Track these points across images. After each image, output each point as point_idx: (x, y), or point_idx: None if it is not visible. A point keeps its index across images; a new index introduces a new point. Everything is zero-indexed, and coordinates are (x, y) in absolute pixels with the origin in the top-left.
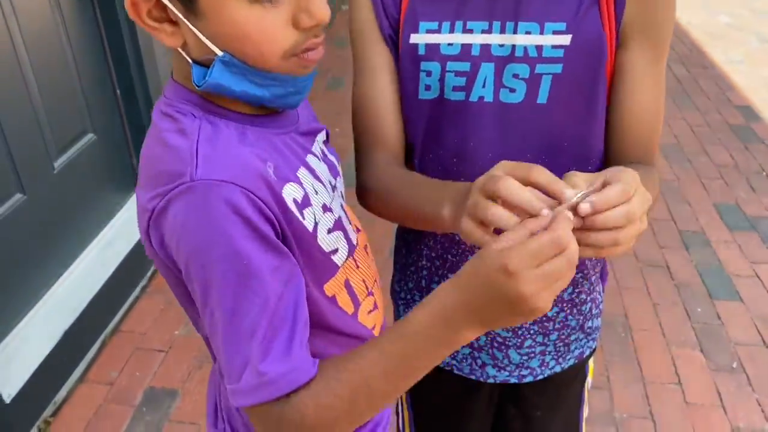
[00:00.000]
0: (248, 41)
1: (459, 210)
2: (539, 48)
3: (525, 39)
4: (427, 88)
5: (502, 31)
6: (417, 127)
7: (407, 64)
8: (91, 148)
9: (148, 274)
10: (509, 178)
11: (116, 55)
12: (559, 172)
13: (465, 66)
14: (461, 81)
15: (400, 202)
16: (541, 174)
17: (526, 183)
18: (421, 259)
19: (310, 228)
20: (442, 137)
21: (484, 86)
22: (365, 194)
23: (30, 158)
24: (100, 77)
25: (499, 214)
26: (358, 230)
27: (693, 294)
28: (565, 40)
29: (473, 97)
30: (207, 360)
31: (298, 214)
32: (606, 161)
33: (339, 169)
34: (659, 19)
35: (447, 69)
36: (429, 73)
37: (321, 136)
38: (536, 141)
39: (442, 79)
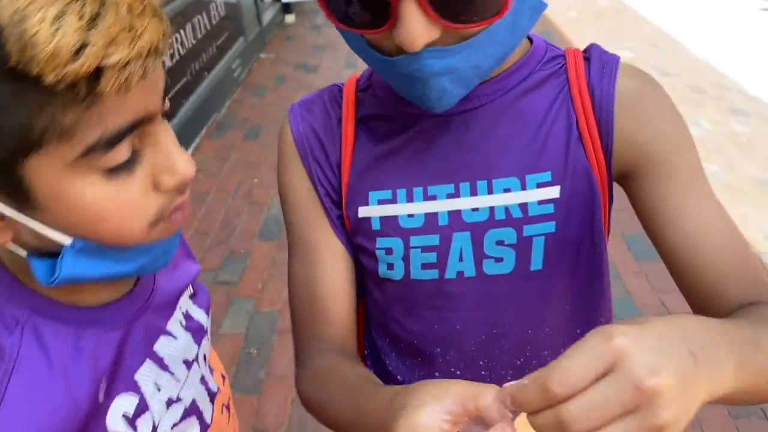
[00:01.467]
0: (106, 223)
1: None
2: (523, 207)
3: (504, 198)
4: (390, 267)
5: (473, 192)
6: (382, 312)
7: (361, 241)
8: None
9: None
10: None
11: None
12: (569, 339)
13: (433, 239)
14: (431, 257)
15: (339, 420)
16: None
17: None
18: None
19: None
20: (416, 324)
21: (461, 260)
22: (301, 396)
23: None
24: None
25: None
26: (223, 379)
27: None
28: (554, 192)
29: (449, 274)
30: None
31: (127, 429)
32: (703, 311)
33: (207, 325)
34: (666, 133)
35: (411, 245)
36: (389, 251)
37: (186, 294)
38: (535, 312)
39: (406, 258)
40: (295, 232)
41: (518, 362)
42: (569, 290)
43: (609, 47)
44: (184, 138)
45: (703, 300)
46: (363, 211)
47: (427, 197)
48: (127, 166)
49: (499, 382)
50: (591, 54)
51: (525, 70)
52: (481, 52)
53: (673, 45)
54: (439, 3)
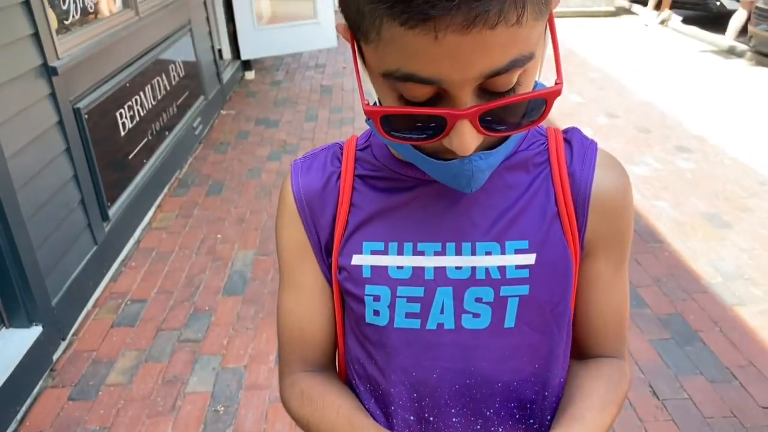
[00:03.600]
0: None
1: None
2: (502, 269)
3: (485, 260)
4: (376, 313)
5: (458, 252)
6: (366, 353)
7: (351, 286)
8: None
9: (19, 416)
10: None
11: None
12: (530, 394)
13: (418, 291)
14: (415, 307)
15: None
16: None
17: None
18: None
19: None
20: (395, 369)
21: (442, 312)
22: (287, 408)
23: None
24: None
25: None
26: None
27: None
28: (530, 259)
29: (431, 325)
30: None
31: None
32: (577, 355)
33: None
34: (622, 228)
35: (398, 294)
36: (377, 298)
37: None
38: (505, 366)
39: (392, 305)
40: (287, 272)
41: (487, 412)
42: (537, 348)
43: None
44: (147, 197)
45: (581, 347)
46: (356, 259)
47: (416, 252)
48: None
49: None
50: (572, 139)
51: (512, 146)
52: (512, 145)
53: (619, 88)
54: (487, 123)
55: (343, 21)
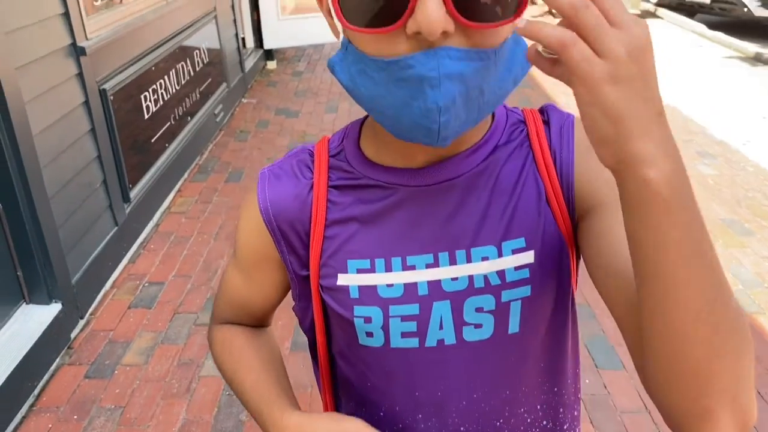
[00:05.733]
0: None
1: None
2: (501, 273)
3: (482, 267)
4: (369, 334)
5: (452, 262)
6: (360, 376)
7: (338, 308)
8: None
9: (36, 391)
10: None
11: None
12: (539, 395)
13: (413, 309)
14: (411, 326)
15: (240, 395)
16: None
17: None
18: None
19: None
20: (398, 391)
21: (441, 328)
22: (211, 347)
23: None
24: None
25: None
26: None
27: (581, 365)
28: (528, 257)
29: (430, 342)
30: None
31: None
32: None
33: None
34: (609, 178)
35: (390, 314)
36: (368, 320)
37: None
38: (513, 373)
39: (385, 326)
40: (240, 259)
41: (497, 423)
42: (543, 347)
43: None
44: (167, 181)
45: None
46: (342, 279)
47: (406, 267)
48: None
49: None
50: (549, 117)
51: (492, 141)
52: (486, 73)
53: None
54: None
55: None
